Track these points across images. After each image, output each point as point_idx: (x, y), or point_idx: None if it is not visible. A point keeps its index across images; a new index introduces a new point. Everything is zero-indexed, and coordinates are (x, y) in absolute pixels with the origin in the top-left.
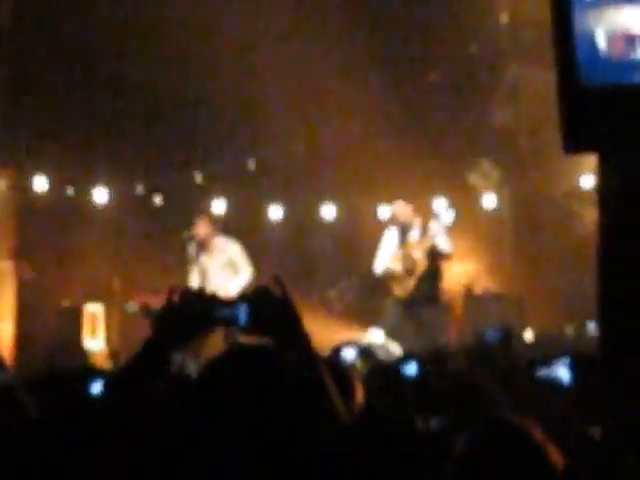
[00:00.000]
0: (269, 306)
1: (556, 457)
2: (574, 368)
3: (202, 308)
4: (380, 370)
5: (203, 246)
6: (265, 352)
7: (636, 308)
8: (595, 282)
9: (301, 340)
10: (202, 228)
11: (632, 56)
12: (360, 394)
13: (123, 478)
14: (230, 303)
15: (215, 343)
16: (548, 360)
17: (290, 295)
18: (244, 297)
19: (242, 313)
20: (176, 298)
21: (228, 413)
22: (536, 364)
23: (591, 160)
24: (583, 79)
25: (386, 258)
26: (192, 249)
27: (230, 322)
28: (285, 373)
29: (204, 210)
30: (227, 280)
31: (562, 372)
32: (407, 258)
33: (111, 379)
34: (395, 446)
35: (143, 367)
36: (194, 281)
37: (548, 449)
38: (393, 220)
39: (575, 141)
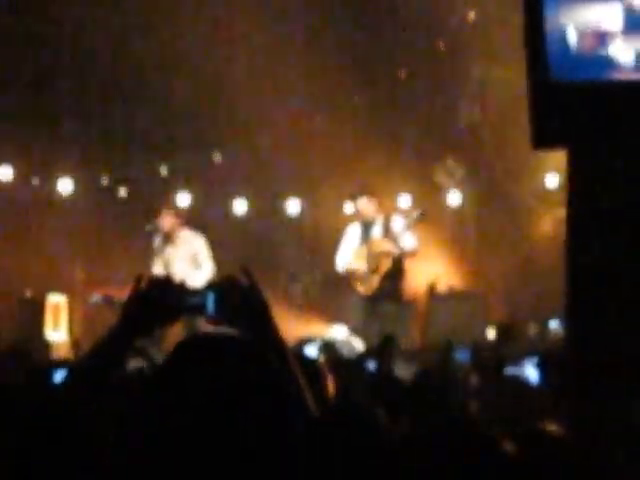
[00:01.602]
0: (237, 294)
1: (510, 449)
2: (543, 367)
3: (169, 296)
4: (342, 365)
5: (168, 238)
6: (235, 341)
7: (603, 304)
8: (559, 280)
9: (269, 329)
10: (167, 220)
11: (602, 52)
12: (332, 387)
13: (85, 466)
14: (197, 291)
15: (177, 333)
16: (516, 359)
17: (258, 284)
18: (212, 285)
19: (209, 301)
20: (143, 285)
21: (194, 402)
22: (504, 363)
23: (556, 159)
24: (553, 75)
25: (348, 255)
26: (158, 241)
27: (197, 310)
28: (255, 363)
29: (169, 202)
30: (190, 272)
31: (530, 371)
32: (371, 255)
33: (75, 365)
34: (367, 440)
35: (108, 354)
36: (157, 272)
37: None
38: (356, 216)
39: (544, 137)
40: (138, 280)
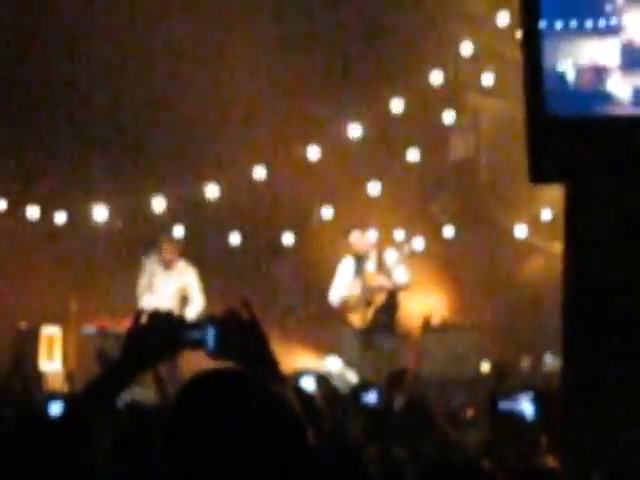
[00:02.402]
0: (238, 329)
1: None
2: (538, 402)
3: (171, 330)
4: (337, 398)
5: (166, 267)
6: (238, 376)
7: (600, 339)
8: (553, 314)
9: (270, 363)
10: (168, 250)
11: (600, 87)
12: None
13: None
14: (198, 325)
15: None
16: (510, 394)
17: (258, 318)
18: (212, 320)
19: (210, 336)
20: (144, 319)
21: (202, 438)
22: (498, 398)
23: (550, 192)
24: (551, 110)
25: (342, 288)
26: (149, 270)
27: (198, 345)
28: (259, 398)
29: (166, 234)
30: (176, 305)
31: (525, 406)
32: (365, 289)
33: (74, 399)
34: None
35: (108, 387)
36: (148, 302)
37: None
38: (349, 250)
39: (542, 171)
40: (138, 314)
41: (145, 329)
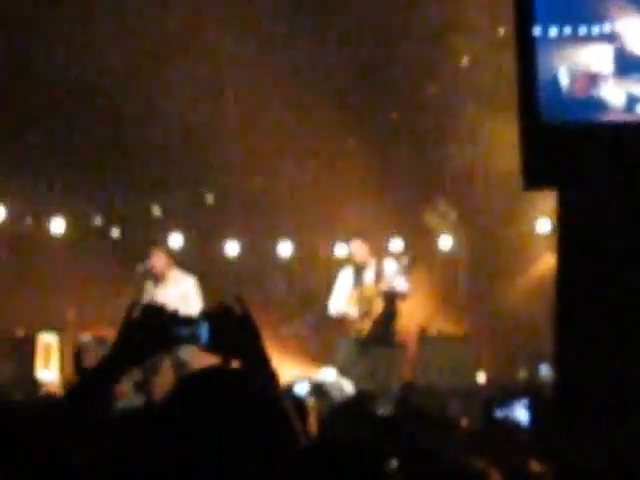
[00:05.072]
0: (231, 324)
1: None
2: (532, 409)
3: (163, 324)
4: (346, 407)
5: (159, 279)
6: (233, 374)
7: (591, 348)
8: (548, 324)
9: (262, 359)
10: (158, 261)
11: (593, 94)
12: (313, 424)
13: None
14: (191, 320)
15: (166, 375)
16: (505, 401)
17: (251, 314)
18: (205, 315)
19: (203, 331)
20: (137, 313)
21: (189, 437)
22: (493, 404)
23: (546, 204)
24: (545, 117)
25: (341, 299)
26: (149, 284)
27: (191, 340)
28: (253, 396)
29: (161, 243)
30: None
31: (521, 413)
32: (362, 300)
33: (65, 394)
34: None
35: (100, 380)
36: None
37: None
38: (350, 259)
39: (535, 177)
40: (131, 307)
41: (137, 323)
